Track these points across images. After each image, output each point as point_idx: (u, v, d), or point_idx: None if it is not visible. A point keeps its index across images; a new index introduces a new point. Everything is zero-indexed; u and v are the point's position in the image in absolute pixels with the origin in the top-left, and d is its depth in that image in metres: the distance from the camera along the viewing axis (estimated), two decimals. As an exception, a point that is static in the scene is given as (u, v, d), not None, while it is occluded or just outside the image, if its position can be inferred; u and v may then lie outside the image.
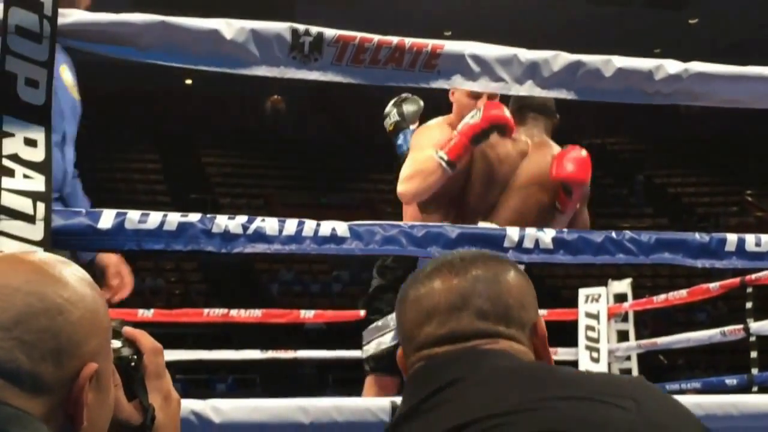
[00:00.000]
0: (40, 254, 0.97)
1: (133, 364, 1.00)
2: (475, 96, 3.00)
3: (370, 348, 3.21)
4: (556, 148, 3.15)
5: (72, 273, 0.94)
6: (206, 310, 6.51)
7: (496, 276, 1.20)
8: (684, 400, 2.21)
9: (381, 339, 3.18)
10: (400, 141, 3.41)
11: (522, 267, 1.35)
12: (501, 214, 3.04)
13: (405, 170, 3.01)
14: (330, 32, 1.83)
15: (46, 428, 0.88)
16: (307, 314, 6.43)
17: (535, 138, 3.14)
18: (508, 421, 1.01)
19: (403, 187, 2.99)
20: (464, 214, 3.05)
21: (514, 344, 1.17)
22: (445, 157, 2.90)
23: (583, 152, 3.06)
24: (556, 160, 3.04)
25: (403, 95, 3.42)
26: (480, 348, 1.15)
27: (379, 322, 3.20)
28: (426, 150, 2.96)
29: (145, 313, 5.86)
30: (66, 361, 0.89)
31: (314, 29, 1.83)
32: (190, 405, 1.82)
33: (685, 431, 1.04)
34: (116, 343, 1.02)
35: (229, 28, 1.79)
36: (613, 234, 2.00)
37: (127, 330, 1.06)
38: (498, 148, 3.06)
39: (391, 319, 3.11)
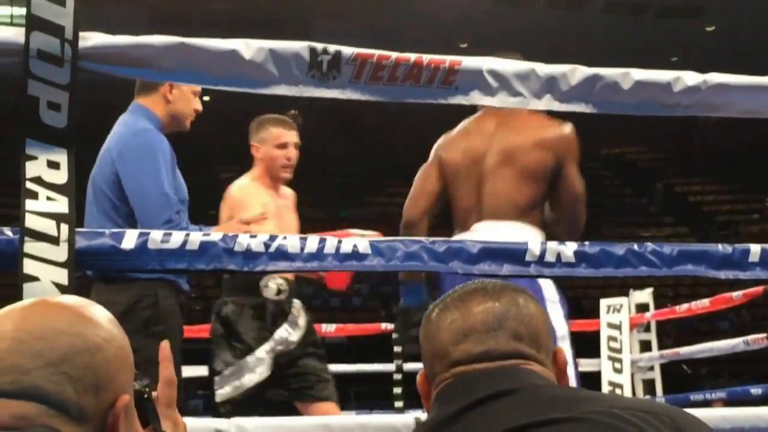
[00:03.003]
0: (72, 298, 1.07)
1: (146, 395, 1.11)
2: (283, 146, 3.36)
3: (225, 392, 3.38)
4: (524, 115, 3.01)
5: (103, 315, 1.05)
6: (227, 326, 6.47)
7: (525, 303, 1.24)
8: (710, 413, 2.20)
9: (238, 382, 3.37)
10: None
11: None
12: (487, 203, 3.01)
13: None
14: (348, 50, 1.84)
15: None
16: (328, 328, 6.42)
17: (496, 117, 3.07)
18: (558, 428, 1.05)
19: None
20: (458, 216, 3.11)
21: (543, 368, 1.21)
22: None
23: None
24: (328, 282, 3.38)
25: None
26: (519, 367, 1.19)
27: (231, 369, 3.39)
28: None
29: (166, 330, 5.85)
30: (103, 393, 0.99)
31: (332, 48, 1.83)
32: (214, 424, 1.83)
33: None
34: None
35: (248, 48, 1.79)
36: (635, 246, 1.99)
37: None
38: (461, 142, 3.10)
39: (250, 362, 3.38)
